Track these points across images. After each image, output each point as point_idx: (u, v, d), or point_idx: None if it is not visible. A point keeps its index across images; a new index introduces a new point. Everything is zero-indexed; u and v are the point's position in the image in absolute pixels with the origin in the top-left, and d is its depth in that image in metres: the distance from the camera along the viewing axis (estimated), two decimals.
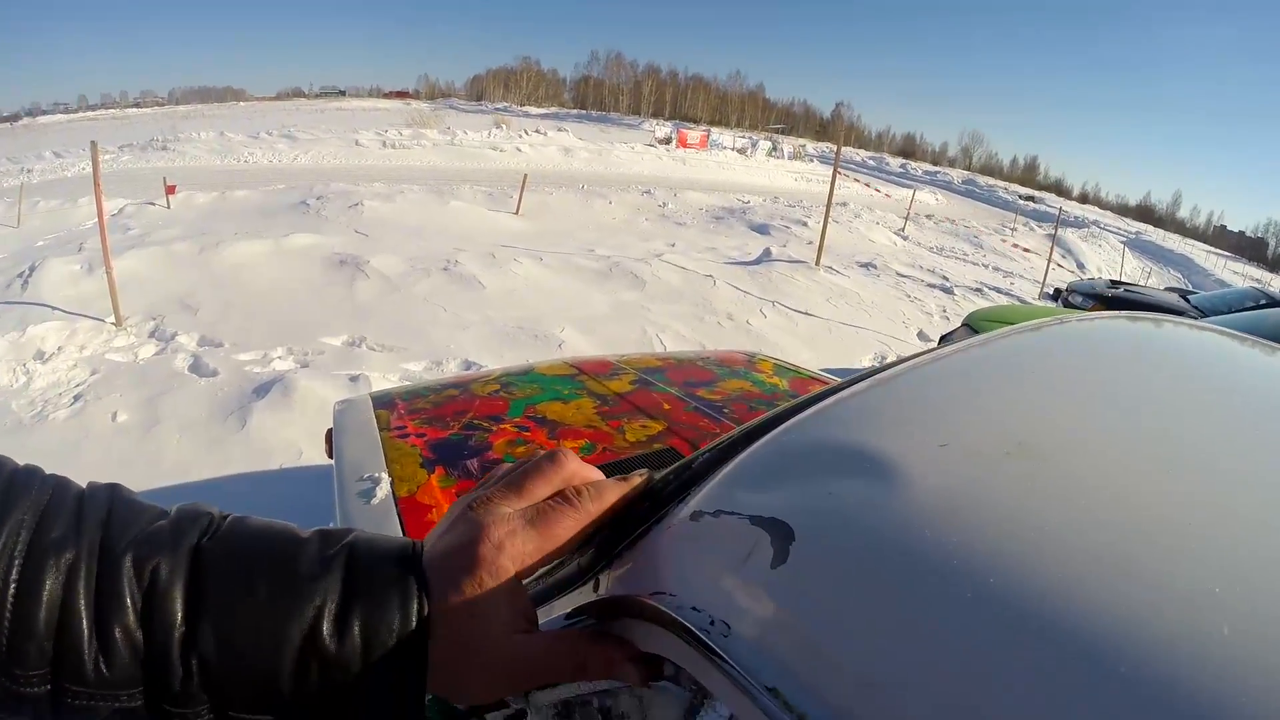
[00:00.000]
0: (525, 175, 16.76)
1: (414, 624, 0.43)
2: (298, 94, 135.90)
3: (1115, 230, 44.87)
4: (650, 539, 0.53)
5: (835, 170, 12.57)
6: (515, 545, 0.47)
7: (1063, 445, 0.52)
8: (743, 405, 2.45)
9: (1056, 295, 12.67)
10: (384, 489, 1.95)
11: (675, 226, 16.56)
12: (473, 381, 2.66)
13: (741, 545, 0.45)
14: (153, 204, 14.14)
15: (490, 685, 0.47)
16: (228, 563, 0.43)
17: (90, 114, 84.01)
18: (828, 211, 12.10)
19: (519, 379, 2.66)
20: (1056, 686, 0.32)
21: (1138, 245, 37.85)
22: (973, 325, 6.93)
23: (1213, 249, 61.02)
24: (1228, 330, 0.96)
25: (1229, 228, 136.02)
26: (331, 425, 2.38)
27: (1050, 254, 17.30)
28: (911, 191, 31.74)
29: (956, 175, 71.57)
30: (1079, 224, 40.89)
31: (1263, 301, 10.93)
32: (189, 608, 0.41)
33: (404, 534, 1.73)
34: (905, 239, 18.82)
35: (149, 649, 0.40)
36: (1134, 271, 24.78)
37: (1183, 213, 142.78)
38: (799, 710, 0.37)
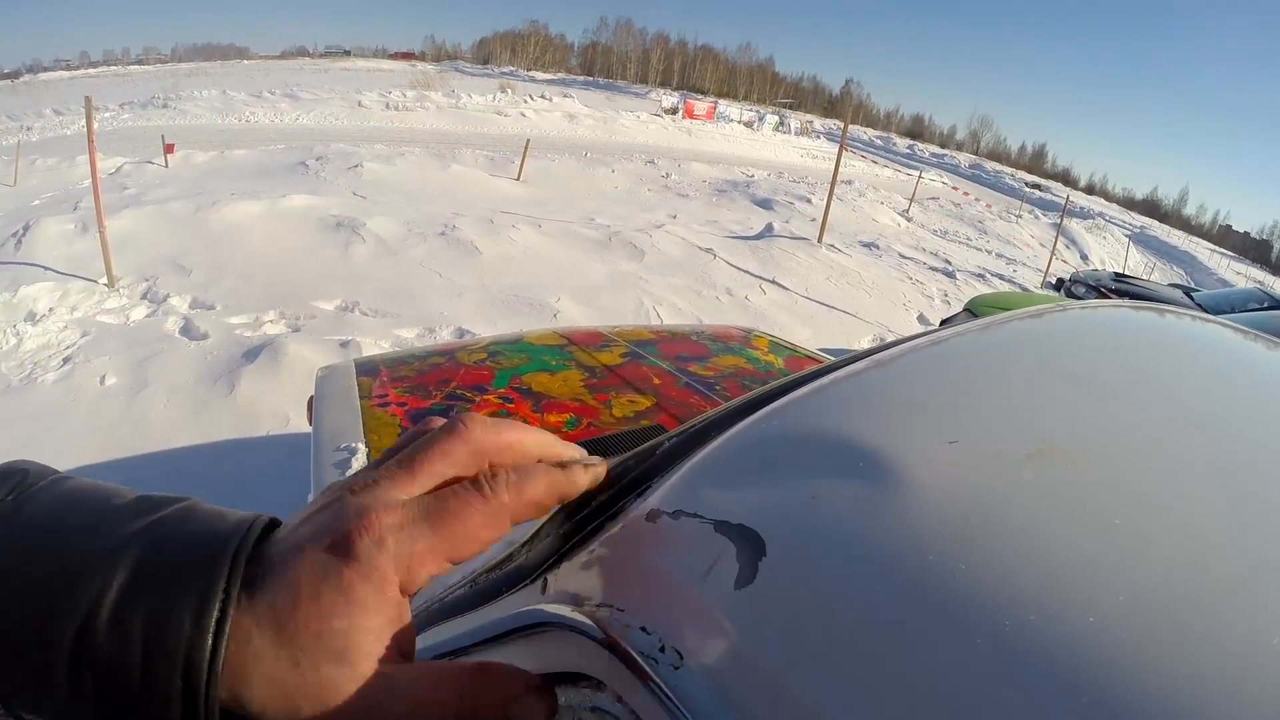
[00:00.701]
0: (528, 141, 16.58)
1: (209, 631, 0.31)
2: (302, 53, 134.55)
3: (1120, 223, 44.73)
4: (602, 538, 0.45)
5: (841, 147, 12.42)
6: (403, 544, 0.34)
7: (1093, 446, 0.44)
8: (735, 383, 2.37)
9: (1059, 285, 12.60)
10: (360, 459, 1.89)
11: (677, 198, 16.41)
12: (459, 349, 2.59)
13: (703, 556, 0.37)
14: (151, 163, 14.00)
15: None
16: (16, 528, 0.32)
17: (92, 71, 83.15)
18: (832, 189, 11.97)
19: (507, 348, 2.58)
20: None
21: (1142, 239, 37.74)
22: (974, 310, 6.87)
23: (1217, 248, 60.84)
24: (1238, 326, 0.89)
25: (1234, 228, 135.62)
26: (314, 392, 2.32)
27: (1055, 243, 17.18)
28: (918, 173, 31.50)
29: (964, 159, 71.12)
30: (1084, 215, 40.64)
31: (1266, 303, 10.86)
32: None
33: None
34: (909, 220, 18.68)
35: None
36: (1137, 265, 24.68)
37: (1189, 210, 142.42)
38: None
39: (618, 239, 9.44)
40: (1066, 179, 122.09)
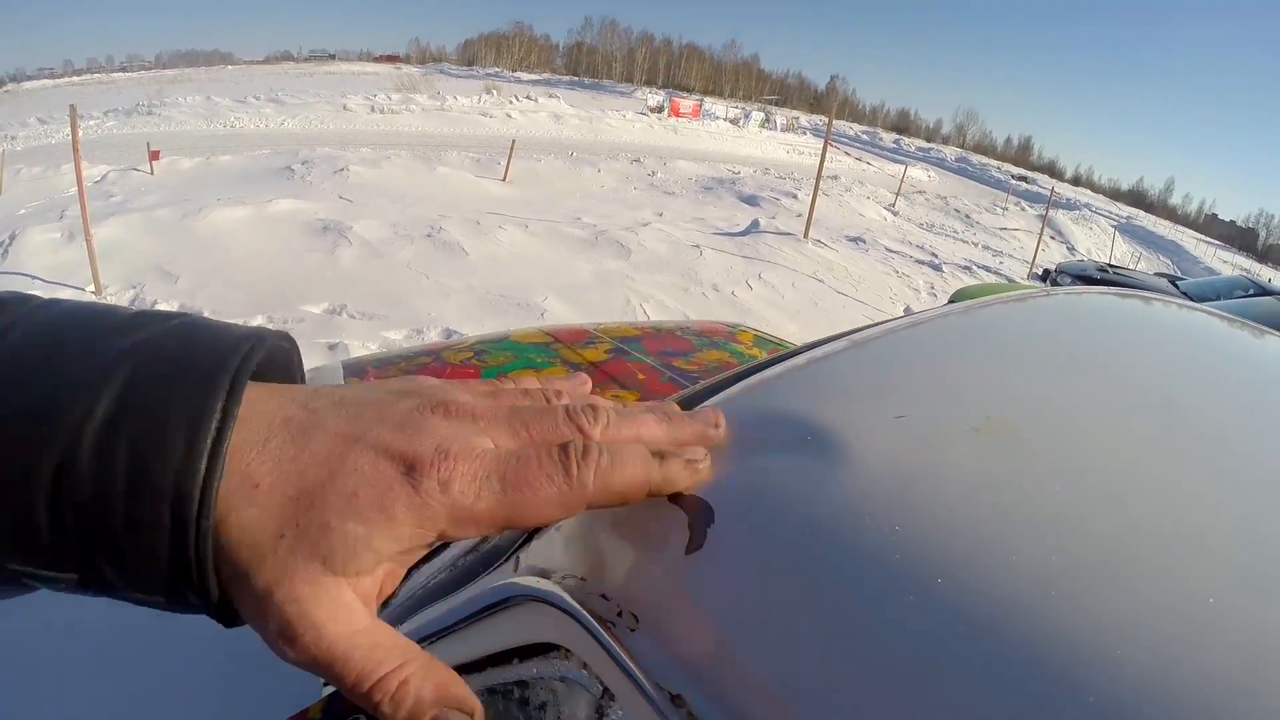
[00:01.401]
0: (514, 142, 16.57)
1: (203, 456, 0.27)
2: (286, 58, 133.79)
3: (1107, 214, 44.91)
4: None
5: (826, 143, 12.46)
6: (465, 496, 0.31)
7: (1039, 422, 0.47)
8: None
9: (1045, 276, 12.66)
10: None
11: (664, 196, 16.43)
12: (445, 349, 2.60)
13: (657, 524, 0.39)
14: (136, 170, 13.92)
15: (283, 628, 0.29)
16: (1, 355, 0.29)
17: (76, 79, 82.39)
18: (817, 184, 12.00)
19: (493, 346, 2.59)
20: (1003, 708, 0.27)
21: (1128, 230, 37.93)
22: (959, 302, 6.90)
23: (1203, 237, 61.17)
24: (1216, 311, 0.91)
25: (1220, 216, 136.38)
26: None
27: (1040, 234, 17.26)
28: (903, 167, 31.58)
29: (950, 152, 71.28)
30: (1071, 206, 40.82)
31: (1251, 290, 10.92)
32: None
33: None
34: (895, 214, 18.74)
35: None
36: (1124, 255, 24.80)
37: (1175, 199, 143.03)
38: None
39: (604, 238, 9.45)
40: (1053, 171, 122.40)
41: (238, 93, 36.74)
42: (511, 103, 39.64)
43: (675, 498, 0.40)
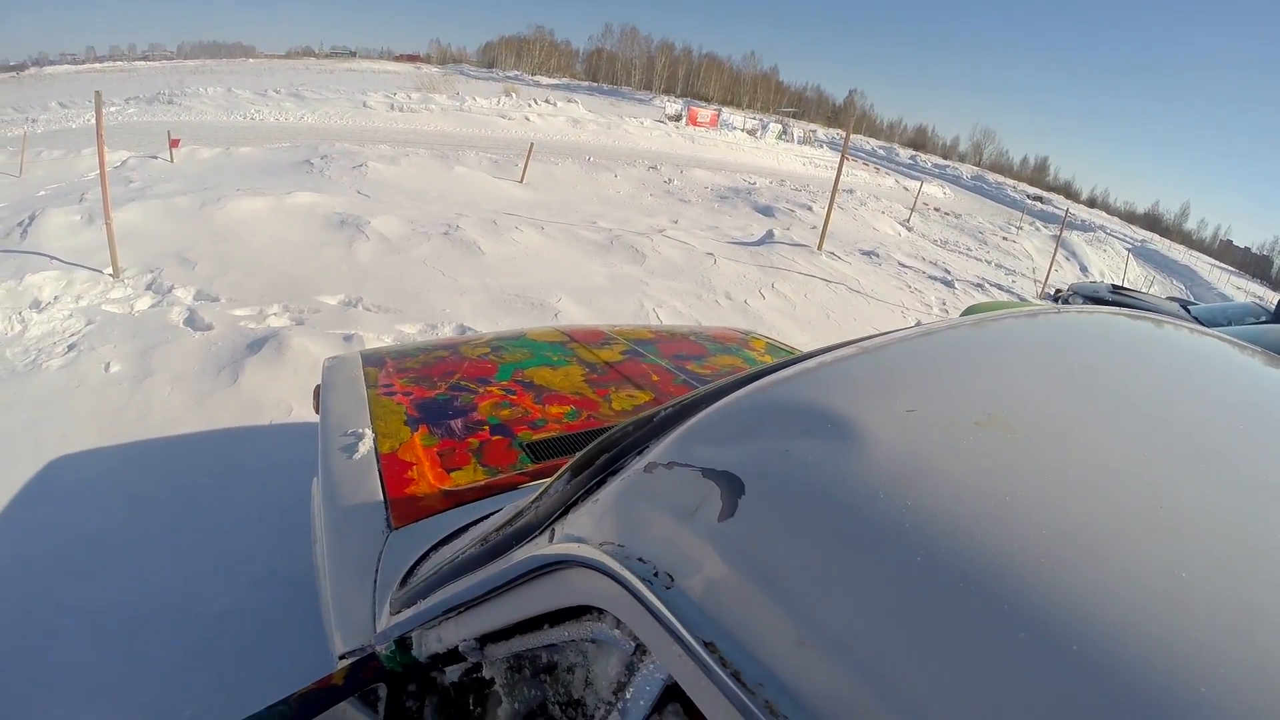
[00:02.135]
0: (531, 144, 16.66)
1: None
2: (308, 53, 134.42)
3: (1121, 236, 44.77)
4: (606, 490, 0.51)
5: (843, 156, 12.49)
6: None
7: (1036, 420, 0.51)
8: None
9: (1057, 296, 12.64)
10: (366, 444, 1.95)
11: (679, 203, 16.46)
12: (463, 344, 2.65)
13: (691, 497, 0.43)
14: (156, 157, 14.06)
15: None
16: None
17: (98, 65, 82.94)
18: (833, 196, 12.04)
19: (509, 343, 2.65)
20: (998, 655, 0.31)
21: (1142, 253, 37.76)
22: None
23: (1217, 263, 60.83)
24: (1220, 335, 0.95)
25: (1235, 243, 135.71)
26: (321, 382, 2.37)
27: (1054, 255, 17.25)
28: (919, 183, 31.56)
29: (966, 170, 71.17)
30: (1085, 227, 40.71)
31: (1263, 318, 10.88)
32: None
33: (383, 488, 1.73)
34: (910, 230, 18.75)
35: None
36: (1137, 279, 24.72)
37: (1190, 224, 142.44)
38: (733, 667, 0.36)
39: (619, 242, 9.50)
40: (1068, 192, 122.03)
41: (258, 86, 37.01)
42: (530, 106, 39.78)
43: (708, 473, 0.44)
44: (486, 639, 0.62)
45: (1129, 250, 32.24)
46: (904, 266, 12.27)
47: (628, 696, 0.50)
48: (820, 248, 11.16)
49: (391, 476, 1.77)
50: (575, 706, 0.59)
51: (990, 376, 0.61)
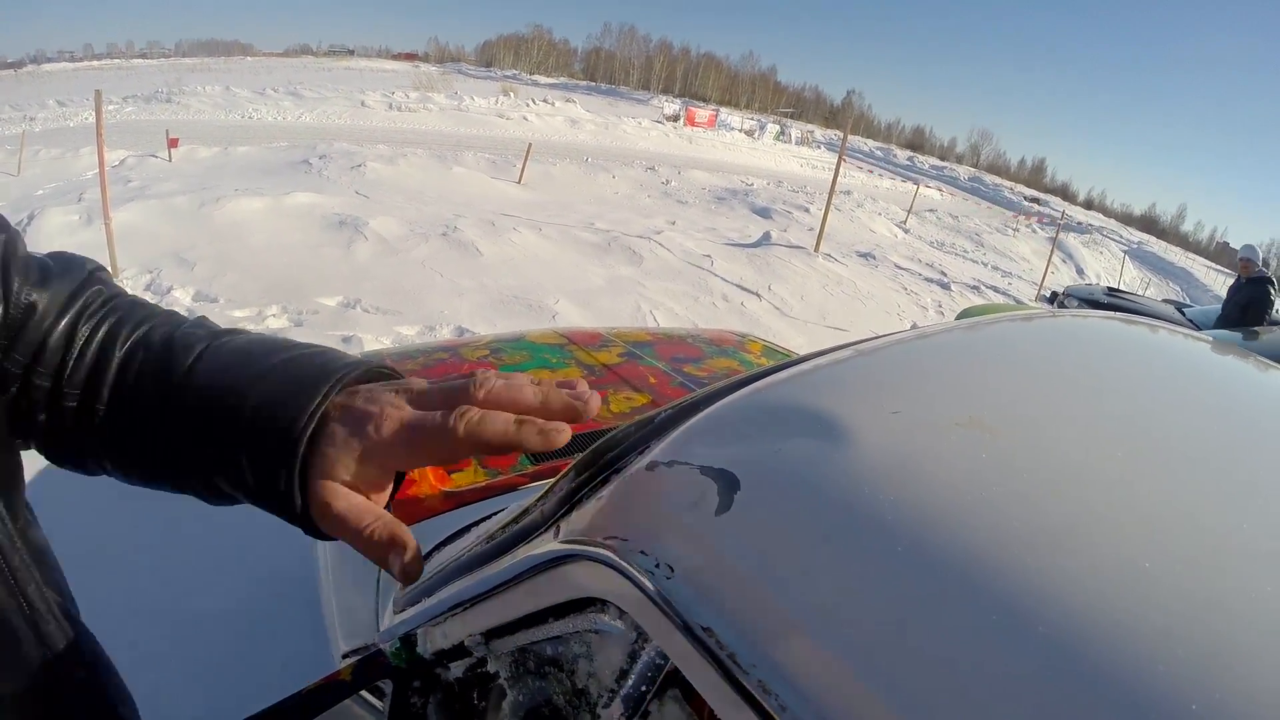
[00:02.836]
0: (530, 145, 16.68)
1: (312, 418, 0.53)
2: (305, 51, 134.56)
3: (1117, 238, 44.81)
4: (609, 488, 0.54)
5: (841, 157, 12.54)
6: (384, 436, 0.52)
7: (1015, 421, 0.54)
8: None
9: (1053, 298, 12.69)
10: None
11: (677, 204, 16.49)
12: (462, 346, 2.67)
13: (690, 493, 0.46)
14: (154, 156, 14.06)
15: (318, 508, 0.53)
16: (227, 353, 0.59)
17: (95, 63, 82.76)
18: (830, 198, 12.08)
19: (509, 345, 2.67)
20: (970, 634, 0.34)
21: (1139, 255, 37.78)
22: None
23: (1214, 265, 60.88)
24: (1211, 339, 0.99)
25: (1232, 245, 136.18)
26: None
27: (1050, 257, 17.30)
28: (916, 185, 31.65)
29: (963, 171, 71.27)
30: (1082, 229, 40.75)
31: None
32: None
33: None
34: (907, 232, 18.79)
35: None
36: (1133, 281, 24.75)
37: (1186, 226, 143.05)
38: (729, 649, 0.38)
39: (617, 244, 9.53)
40: (1065, 194, 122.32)
41: (256, 84, 36.97)
42: (528, 105, 39.79)
43: (706, 470, 0.47)
44: (491, 634, 0.65)
45: (1125, 252, 32.27)
46: (900, 269, 12.32)
47: (629, 683, 0.53)
48: (817, 250, 11.20)
49: None
50: (579, 695, 0.62)
51: (976, 380, 0.64)
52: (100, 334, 0.62)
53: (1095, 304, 11.00)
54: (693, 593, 0.42)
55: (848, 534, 0.40)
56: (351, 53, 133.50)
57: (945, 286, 11.82)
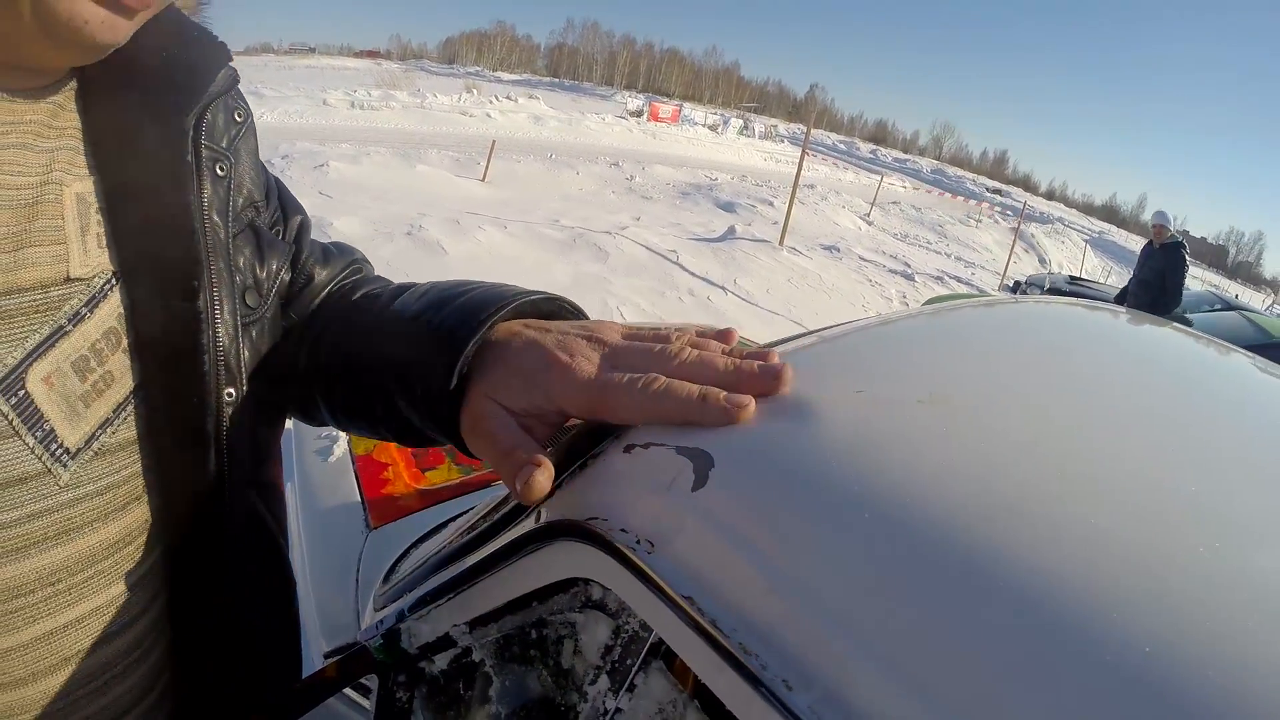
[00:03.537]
0: (494, 142, 16.60)
1: (474, 337, 0.60)
2: (267, 49, 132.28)
3: (1079, 228, 45.54)
4: (587, 471, 0.56)
5: (804, 151, 12.64)
6: (567, 387, 0.57)
7: (975, 398, 0.57)
8: None
9: (1015, 288, 12.89)
10: (341, 447, 1.98)
11: (642, 200, 16.49)
12: None
13: (667, 472, 0.49)
14: None
15: (472, 424, 0.59)
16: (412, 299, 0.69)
17: None
18: (794, 192, 12.17)
19: None
20: (930, 590, 0.36)
21: (1100, 244, 38.45)
22: None
23: None
24: (1179, 326, 1.03)
25: (1192, 233, 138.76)
26: None
27: (1012, 246, 17.55)
28: (879, 177, 31.91)
29: (926, 164, 72.07)
30: (1044, 219, 41.39)
31: (1218, 305, 11.20)
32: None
33: (360, 489, 1.76)
34: (870, 224, 18.96)
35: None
36: (1095, 269, 25.19)
37: (1146, 215, 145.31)
38: (710, 616, 0.41)
39: (582, 240, 9.53)
40: (1027, 185, 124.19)
41: None
42: (492, 102, 39.51)
43: (682, 450, 0.50)
44: (475, 623, 0.67)
45: (1087, 241, 32.82)
46: (865, 260, 12.45)
47: (615, 657, 0.55)
48: (782, 243, 11.29)
49: (367, 478, 1.81)
50: (565, 675, 0.64)
51: (938, 361, 0.67)
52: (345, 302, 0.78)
53: (1058, 293, 11.20)
54: (673, 566, 0.45)
55: (816, 504, 0.43)
56: (313, 50, 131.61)
57: (909, 278, 11.96)
